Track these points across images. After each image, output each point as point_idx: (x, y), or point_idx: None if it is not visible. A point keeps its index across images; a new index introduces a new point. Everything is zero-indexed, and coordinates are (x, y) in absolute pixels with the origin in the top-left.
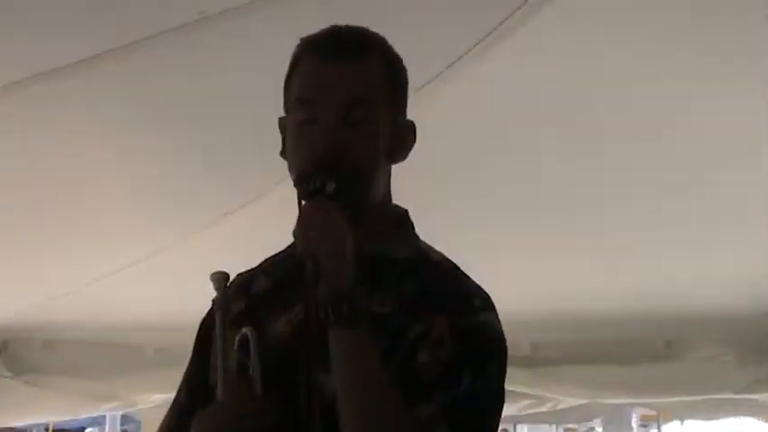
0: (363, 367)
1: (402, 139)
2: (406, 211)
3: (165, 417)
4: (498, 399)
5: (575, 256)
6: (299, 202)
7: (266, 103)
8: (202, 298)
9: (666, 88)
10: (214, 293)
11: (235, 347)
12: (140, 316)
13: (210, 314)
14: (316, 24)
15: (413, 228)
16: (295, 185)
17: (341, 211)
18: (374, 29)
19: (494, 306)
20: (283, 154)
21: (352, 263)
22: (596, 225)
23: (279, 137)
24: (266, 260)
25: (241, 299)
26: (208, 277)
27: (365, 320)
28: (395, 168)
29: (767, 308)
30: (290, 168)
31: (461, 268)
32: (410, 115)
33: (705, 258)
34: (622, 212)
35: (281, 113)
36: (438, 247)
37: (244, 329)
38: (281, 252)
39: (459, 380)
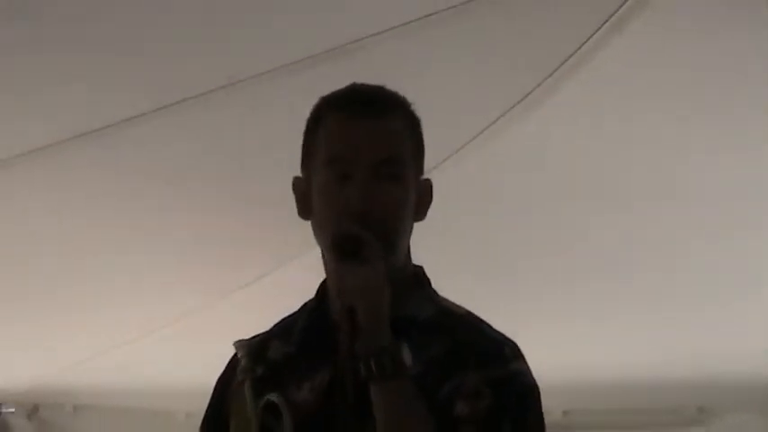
0: (413, 415)
1: (423, 197)
2: (421, 268)
3: None
4: None
5: (607, 323)
6: (337, 259)
7: (290, 170)
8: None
9: (703, 154)
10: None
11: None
12: (171, 380)
13: (224, 379)
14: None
15: (430, 283)
16: (331, 242)
17: (381, 267)
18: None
19: (522, 354)
20: (303, 214)
21: (388, 319)
22: (628, 293)
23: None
24: (279, 322)
25: (259, 364)
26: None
27: (407, 371)
28: (423, 230)
29: None
30: (320, 226)
31: (485, 320)
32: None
33: (739, 324)
34: (651, 280)
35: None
36: None
37: (270, 396)
38: (293, 315)
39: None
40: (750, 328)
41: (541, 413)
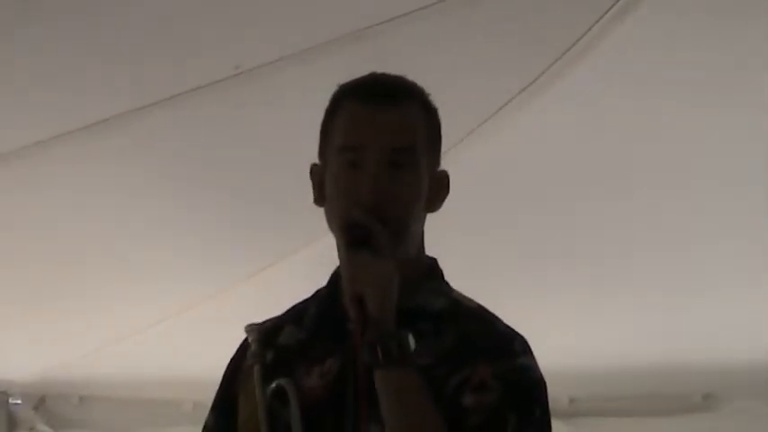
0: (417, 403)
1: (438, 188)
2: (435, 260)
3: None
4: None
5: (611, 310)
6: (347, 248)
7: (301, 158)
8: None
9: (713, 140)
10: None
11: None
12: (177, 370)
13: (235, 363)
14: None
15: (443, 276)
16: (340, 231)
17: (390, 257)
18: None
19: (531, 349)
20: (318, 201)
21: (395, 308)
22: (631, 279)
23: (312, 193)
24: (291, 309)
25: (269, 349)
26: (243, 329)
27: (413, 359)
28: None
29: None
30: (332, 214)
31: (496, 314)
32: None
33: (743, 310)
34: (656, 266)
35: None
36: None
37: (279, 381)
38: (306, 301)
39: (505, 425)
40: (757, 313)
41: (547, 408)
